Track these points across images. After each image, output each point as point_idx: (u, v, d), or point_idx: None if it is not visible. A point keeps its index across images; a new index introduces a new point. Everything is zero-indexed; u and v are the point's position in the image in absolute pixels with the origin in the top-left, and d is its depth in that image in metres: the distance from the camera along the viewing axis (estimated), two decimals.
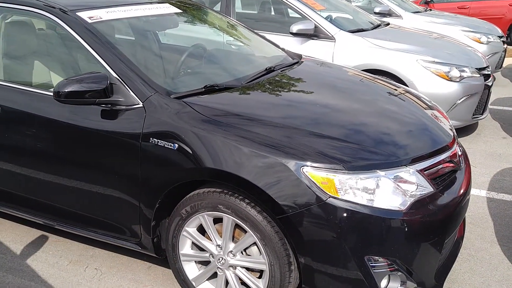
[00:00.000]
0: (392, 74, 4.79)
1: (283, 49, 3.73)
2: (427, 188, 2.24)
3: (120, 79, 2.46)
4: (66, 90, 2.32)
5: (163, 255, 2.61)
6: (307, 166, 2.10)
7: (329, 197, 2.07)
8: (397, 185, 2.16)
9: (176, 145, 2.29)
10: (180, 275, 2.52)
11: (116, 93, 2.45)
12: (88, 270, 2.87)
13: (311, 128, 2.33)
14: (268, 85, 2.82)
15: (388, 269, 2.17)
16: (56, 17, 2.68)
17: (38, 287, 2.70)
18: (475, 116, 4.97)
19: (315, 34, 5.17)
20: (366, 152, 2.23)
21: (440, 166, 2.39)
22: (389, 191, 2.13)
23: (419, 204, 2.17)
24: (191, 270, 2.50)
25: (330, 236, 2.08)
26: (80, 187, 2.62)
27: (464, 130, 5.24)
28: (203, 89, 2.57)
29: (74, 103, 2.39)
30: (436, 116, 2.87)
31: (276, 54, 3.56)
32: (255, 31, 4.00)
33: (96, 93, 2.37)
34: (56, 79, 2.84)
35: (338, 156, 2.15)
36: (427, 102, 3.11)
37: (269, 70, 3.03)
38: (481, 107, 5.04)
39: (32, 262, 2.93)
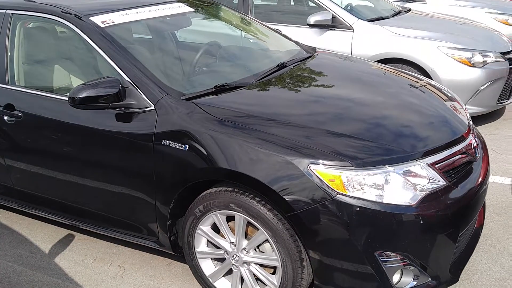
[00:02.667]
0: (412, 62, 4.71)
1: (297, 43, 3.73)
2: (439, 182, 2.22)
3: (132, 83, 2.52)
4: (80, 96, 2.40)
5: (181, 253, 2.67)
6: (315, 163, 2.11)
7: (337, 194, 2.08)
8: (407, 179, 2.15)
9: (187, 146, 2.34)
10: (197, 272, 2.58)
11: (129, 97, 2.51)
12: (112, 268, 2.97)
13: (320, 125, 2.34)
14: (278, 82, 2.83)
15: (401, 264, 2.17)
16: (70, 22, 2.76)
17: (65, 285, 2.82)
18: (500, 101, 4.85)
19: (333, 24, 5.13)
20: (376, 148, 2.22)
21: (454, 159, 2.37)
22: (398, 186, 2.13)
23: (431, 198, 2.16)
24: (208, 267, 2.56)
25: (340, 233, 2.09)
26: (100, 188, 2.70)
27: (490, 116, 5.11)
28: (213, 89, 2.60)
29: (88, 108, 2.46)
30: (455, 108, 2.83)
31: (290, 48, 3.55)
32: (270, 25, 4.00)
33: (109, 97, 2.43)
34: (73, 84, 2.93)
35: (347, 153, 2.15)
36: (447, 93, 3.06)
37: (281, 66, 3.04)
38: (507, 92, 4.91)
39: (60, 261, 3.05)
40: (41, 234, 3.34)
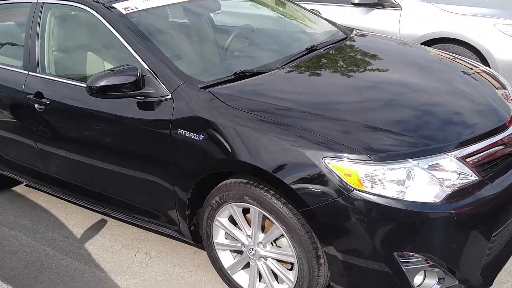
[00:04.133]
0: (465, 42, 4.37)
1: (334, 24, 3.54)
2: (471, 177, 2.01)
3: (150, 71, 2.47)
4: (97, 85, 2.38)
5: (202, 242, 2.63)
6: (329, 157, 1.97)
7: (354, 190, 1.94)
8: (432, 175, 1.96)
9: (201, 135, 2.27)
10: (217, 263, 2.53)
11: (148, 85, 2.46)
12: (138, 255, 2.99)
13: (341, 115, 2.20)
14: (304, 67, 2.69)
15: (426, 264, 2.00)
16: (93, 10, 2.75)
17: (91, 271, 2.87)
18: None
19: (379, 2, 4.85)
20: (401, 141, 2.04)
21: (491, 151, 2.14)
22: (422, 182, 1.95)
23: (459, 194, 1.96)
24: (226, 258, 2.50)
25: (356, 231, 1.95)
26: (125, 176, 2.69)
27: None
28: (233, 76, 2.50)
29: (106, 97, 2.44)
30: (506, 96, 2.57)
31: (325, 30, 3.37)
32: (311, 5, 3.84)
33: (127, 86, 2.39)
34: (96, 72, 2.93)
35: (367, 146, 1.99)
36: (500, 81, 2.79)
37: (310, 50, 2.88)
38: None
39: (89, 246, 3.11)
40: (76, 219, 3.42)
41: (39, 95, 2.92)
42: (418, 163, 1.96)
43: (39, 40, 3.01)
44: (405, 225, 1.92)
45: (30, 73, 3.03)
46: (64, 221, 3.41)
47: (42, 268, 2.93)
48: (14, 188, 3.92)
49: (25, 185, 3.94)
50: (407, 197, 1.92)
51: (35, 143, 3.09)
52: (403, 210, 1.90)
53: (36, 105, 2.93)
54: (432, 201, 1.92)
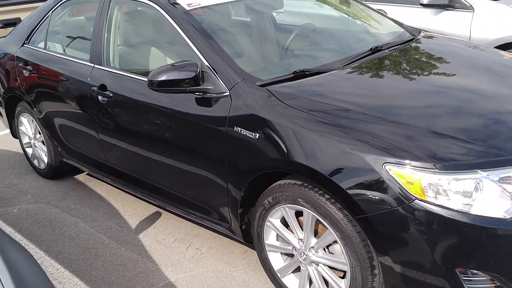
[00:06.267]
0: None
1: (401, 25, 3.40)
2: None
3: (210, 67, 2.47)
4: (158, 79, 2.40)
5: (252, 242, 2.60)
6: (391, 163, 1.87)
7: (415, 199, 1.83)
8: (503, 188, 1.82)
9: (257, 134, 2.23)
10: (266, 265, 2.49)
11: (207, 81, 2.46)
12: (189, 249, 3.00)
13: (404, 119, 2.08)
14: (366, 68, 2.58)
15: (492, 285, 1.86)
16: (158, 6, 2.78)
17: (144, 262, 2.91)
18: None
19: (450, 4, 4.63)
20: (470, 150, 1.91)
21: None
22: (491, 195, 1.81)
23: None
24: (276, 261, 2.45)
25: (415, 242, 1.85)
26: (180, 171, 2.71)
27: None
28: (292, 75, 2.44)
29: (166, 91, 2.46)
30: None
31: (390, 30, 3.25)
32: (377, 5, 3.71)
33: (187, 81, 2.40)
34: (158, 66, 2.96)
35: (432, 154, 1.87)
36: None
37: (374, 50, 2.77)
38: None
39: (143, 237, 3.16)
40: (132, 209, 3.50)
41: (103, 87, 2.99)
42: (488, 175, 1.82)
43: (106, 35, 3.09)
44: (470, 240, 1.79)
45: (95, 65, 3.11)
46: (120, 211, 3.49)
47: (98, 256, 3.00)
48: (76, 176, 4.07)
49: (86, 174, 4.08)
50: (474, 211, 1.80)
51: (97, 134, 3.18)
52: (468, 224, 1.78)
53: (99, 97, 3.01)
54: (502, 217, 1.78)
